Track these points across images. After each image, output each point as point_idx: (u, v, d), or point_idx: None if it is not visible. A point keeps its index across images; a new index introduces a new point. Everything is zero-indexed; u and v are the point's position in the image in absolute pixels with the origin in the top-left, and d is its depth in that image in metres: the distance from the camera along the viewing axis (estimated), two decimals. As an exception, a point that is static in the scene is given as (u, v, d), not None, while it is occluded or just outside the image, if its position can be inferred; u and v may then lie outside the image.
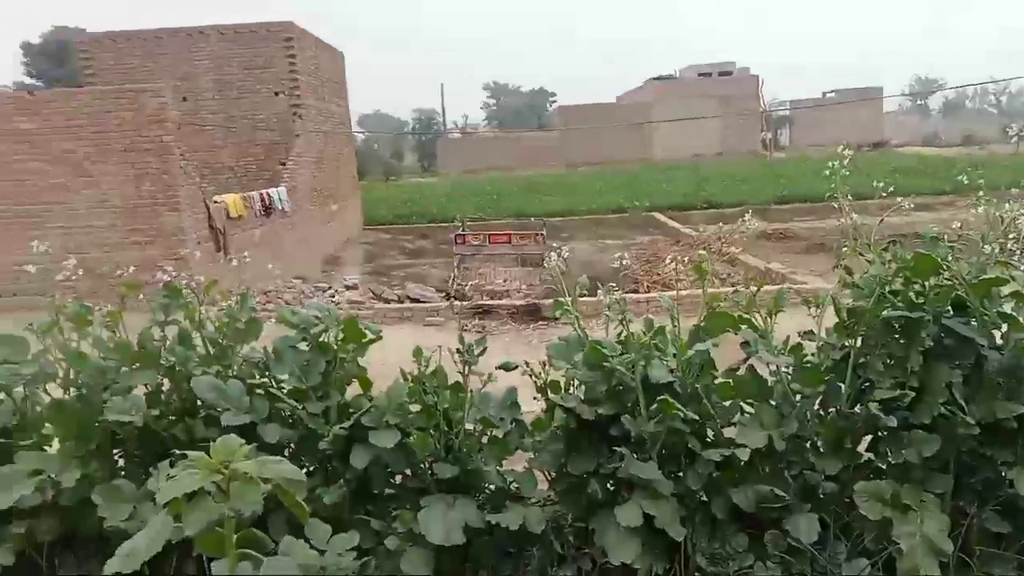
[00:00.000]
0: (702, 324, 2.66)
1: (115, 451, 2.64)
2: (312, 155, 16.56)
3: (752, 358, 2.69)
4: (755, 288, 2.62)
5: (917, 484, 2.36)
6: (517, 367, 2.77)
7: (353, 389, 2.85)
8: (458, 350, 2.69)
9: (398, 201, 25.21)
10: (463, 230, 13.77)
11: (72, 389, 2.69)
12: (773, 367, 2.63)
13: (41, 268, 2.86)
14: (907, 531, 2.21)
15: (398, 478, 2.73)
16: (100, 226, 10.70)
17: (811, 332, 2.78)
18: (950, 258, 2.53)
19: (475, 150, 47.88)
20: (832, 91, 57.01)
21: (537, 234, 13.18)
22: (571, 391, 2.76)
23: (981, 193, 2.74)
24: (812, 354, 2.69)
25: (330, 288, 12.24)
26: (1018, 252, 2.65)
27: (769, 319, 2.72)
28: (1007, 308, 2.49)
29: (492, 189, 27.32)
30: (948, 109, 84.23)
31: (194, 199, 11.02)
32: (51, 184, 10.63)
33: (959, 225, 2.75)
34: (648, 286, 11.72)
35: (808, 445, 2.58)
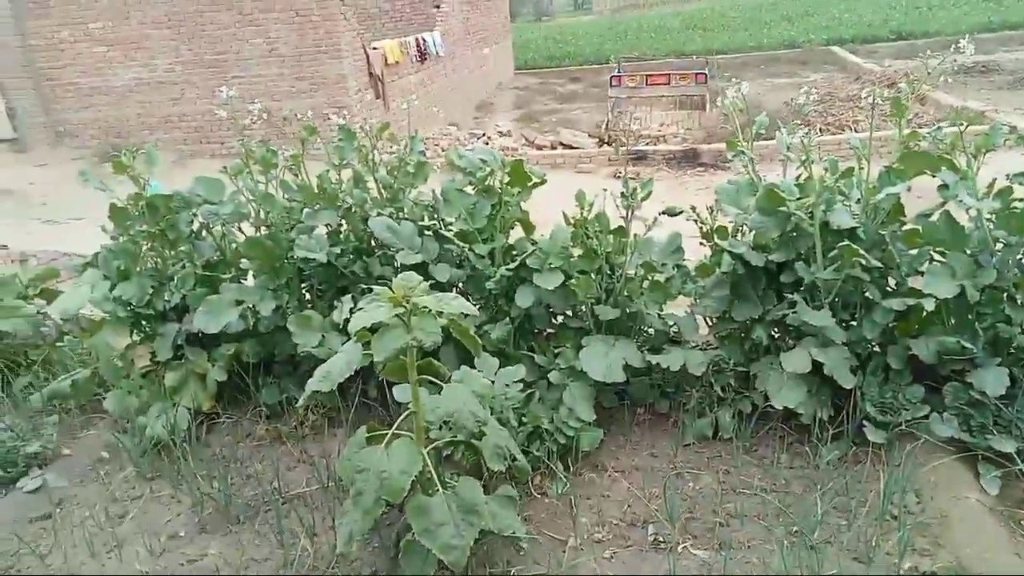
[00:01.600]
0: (894, 165, 2.42)
1: (303, 285, 2.88)
2: (464, -5, 16.17)
3: (949, 203, 2.44)
4: (963, 125, 2.32)
5: None
6: (682, 212, 2.68)
7: (517, 232, 2.91)
8: (622, 194, 2.63)
9: (550, 42, 24.31)
10: (619, 71, 13.15)
11: (263, 228, 2.93)
12: (973, 212, 2.38)
13: (230, 112, 3.04)
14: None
15: (560, 318, 2.81)
16: (269, 75, 11.19)
17: (1021, 174, 2.46)
18: None
19: (632, -16, 44.67)
20: None
21: (699, 74, 12.37)
22: (739, 237, 2.66)
23: None
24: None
25: (484, 135, 12.28)
26: None
27: (975, 160, 2.43)
28: None
29: (651, 26, 25.63)
30: None
31: (354, 46, 11.18)
32: (225, 33, 11.14)
33: None
34: (821, 128, 10.82)
35: (1005, 297, 2.36)
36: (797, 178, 2.51)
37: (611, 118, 12.27)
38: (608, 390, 2.58)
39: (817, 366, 2.27)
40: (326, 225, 2.91)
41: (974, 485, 2.03)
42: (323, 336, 2.60)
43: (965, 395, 2.22)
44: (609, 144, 11.19)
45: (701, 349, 2.68)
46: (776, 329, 2.54)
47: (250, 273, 2.91)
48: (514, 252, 2.80)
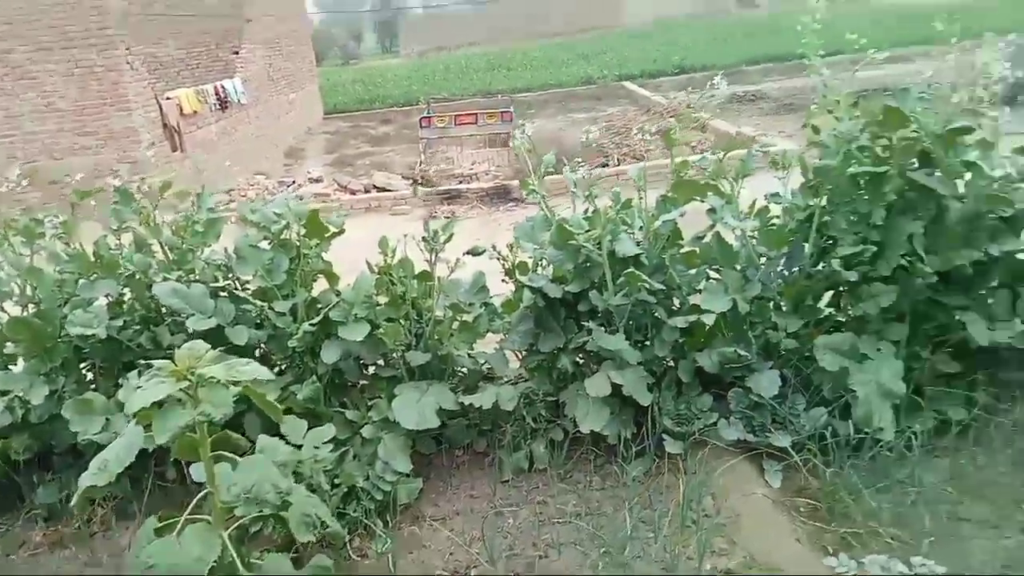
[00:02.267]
0: (668, 194, 2.63)
1: (82, 365, 2.62)
2: (266, 42, 15.76)
3: (719, 224, 2.68)
4: (721, 154, 2.57)
5: (874, 334, 2.42)
6: (485, 251, 2.75)
7: (321, 285, 2.83)
8: (424, 238, 2.65)
9: (359, 85, 24.27)
10: (428, 112, 13.36)
11: (31, 305, 2.64)
12: (739, 232, 2.63)
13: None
14: (862, 379, 2.28)
15: (371, 369, 2.76)
16: (46, 131, 10.23)
17: (778, 194, 2.76)
18: (918, 110, 2.49)
19: (439, 26, 45.77)
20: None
21: (504, 112, 12.83)
22: (539, 271, 2.75)
23: (954, 40, 2.65)
24: (779, 216, 2.69)
25: (294, 182, 11.96)
26: (987, 100, 2.59)
27: (736, 184, 2.70)
28: (972, 157, 2.47)
29: (457, 67, 26.35)
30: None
31: (144, 96, 10.51)
32: (-12, 90, 10.07)
33: (930, 74, 2.67)
34: (619, 159, 11.58)
35: (771, 305, 2.62)
36: (586, 211, 2.65)
37: (423, 159, 12.41)
38: (425, 436, 2.56)
39: (617, 388, 2.39)
40: (106, 296, 2.67)
41: (760, 481, 2.22)
42: (107, 420, 2.37)
43: (746, 399, 2.43)
44: (423, 185, 11.29)
45: (513, 383, 2.74)
46: (580, 356, 2.65)
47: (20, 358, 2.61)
48: (319, 306, 2.72)
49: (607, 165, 11.16)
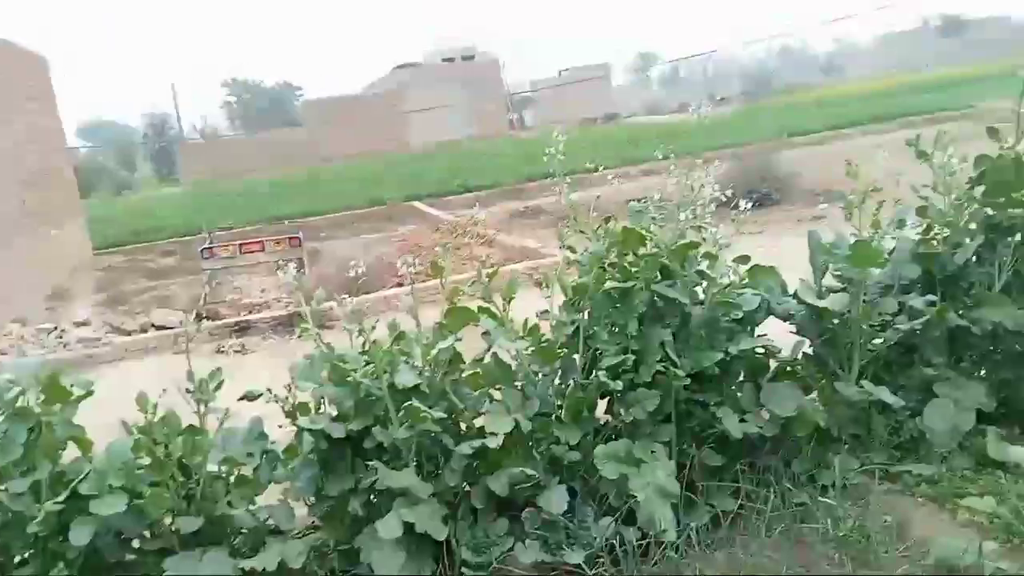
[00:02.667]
0: (443, 321, 2.68)
1: None
2: (19, 177, 14.44)
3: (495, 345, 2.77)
4: (487, 276, 2.69)
5: (646, 438, 2.58)
6: (262, 395, 2.61)
7: (74, 453, 2.52)
8: (187, 389, 2.47)
9: (135, 216, 22.83)
10: (210, 242, 12.83)
11: None
12: (513, 351, 2.73)
13: None
14: (641, 483, 2.41)
15: (136, 543, 2.46)
16: None
17: (546, 311, 2.92)
18: (652, 228, 2.78)
19: (219, 153, 44.73)
20: (567, 69, 60.83)
21: (292, 238, 12.64)
22: (322, 410, 2.66)
23: (671, 164, 3.01)
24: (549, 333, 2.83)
25: (56, 328, 10.79)
26: (708, 216, 2.95)
27: (506, 305, 2.82)
28: (704, 267, 2.79)
29: (241, 193, 25.75)
30: (666, 81, 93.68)
31: None
32: None
33: (657, 196, 2.99)
34: (412, 278, 11.74)
35: (553, 420, 2.72)
36: (363, 344, 2.63)
37: (208, 290, 11.80)
38: (203, 612, 2.29)
39: (410, 525, 2.32)
40: None
41: (558, 604, 2.22)
42: None
43: (539, 518, 2.46)
44: (209, 319, 10.67)
45: (302, 536, 2.57)
46: (372, 496, 2.55)
47: None
48: (67, 479, 2.40)
49: (401, 284, 11.31)
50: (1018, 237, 2.72)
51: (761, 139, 18.69)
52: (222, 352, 9.27)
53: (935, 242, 2.84)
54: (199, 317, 10.85)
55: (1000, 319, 2.71)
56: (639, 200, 2.93)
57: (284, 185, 26.88)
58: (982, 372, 2.95)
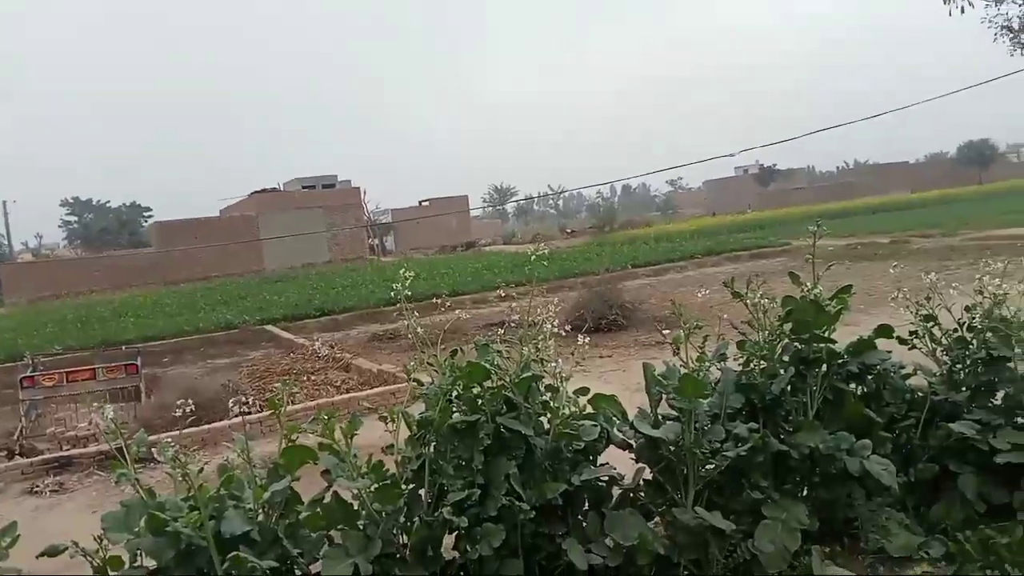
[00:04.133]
0: (279, 461, 2.56)
1: None
2: None
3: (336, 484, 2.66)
4: (327, 416, 2.61)
5: (493, 574, 2.52)
6: (67, 549, 2.34)
7: None
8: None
9: (-56, 342, 20.51)
10: (33, 369, 11.67)
11: None
12: (355, 491, 2.63)
13: None
14: (486, 627, 2.33)
15: None
16: None
17: (392, 446, 2.86)
18: (498, 361, 2.84)
19: (53, 274, 41.66)
20: (427, 200, 62.67)
21: (129, 364, 11.76)
22: (137, 563, 2.41)
23: (527, 292, 3.12)
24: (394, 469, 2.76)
25: None
26: (550, 350, 3.05)
27: (349, 441, 2.73)
28: (547, 398, 2.86)
29: (76, 316, 23.85)
30: (520, 212, 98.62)
31: None
32: None
33: (510, 323, 3.07)
34: (261, 405, 11.17)
35: (397, 559, 2.60)
36: (188, 489, 2.44)
37: (26, 424, 10.60)
38: None
39: None
40: None
41: None
42: None
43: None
44: (23, 455, 9.54)
45: None
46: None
47: None
48: None
49: (249, 412, 10.68)
50: (824, 368, 3.01)
51: (607, 268, 19.86)
52: (36, 493, 8.27)
53: (755, 373, 3.08)
54: (11, 454, 9.68)
55: (814, 443, 2.94)
56: (494, 325, 3.01)
57: (127, 307, 25.26)
58: (804, 493, 3.15)
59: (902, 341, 3.14)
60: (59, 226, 69.13)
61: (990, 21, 10.23)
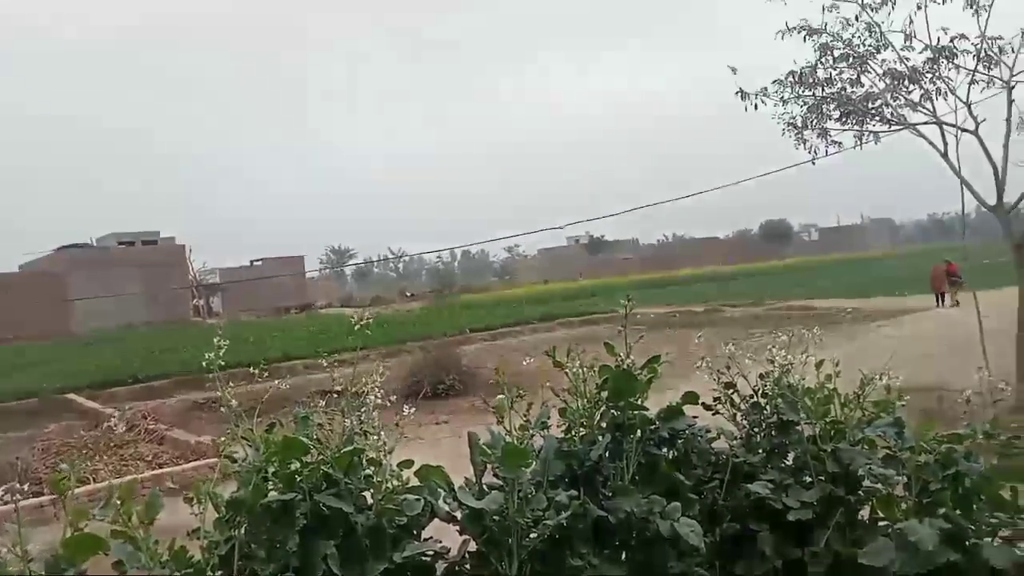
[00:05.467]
0: (60, 553, 2.28)
1: None
2: None
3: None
4: (119, 499, 2.38)
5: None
6: None
7: None
8: None
9: None
10: None
11: None
12: (152, 582, 2.39)
13: None
14: None
15: None
16: None
17: (198, 529, 2.65)
18: (317, 435, 2.74)
19: None
20: (260, 259, 60.25)
21: None
22: None
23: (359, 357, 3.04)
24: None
25: None
26: (376, 419, 2.98)
27: (146, 527, 2.50)
28: (370, 471, 2.78)
29: None
30: (359, 275, 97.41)
31: None
32: None
33: (323, 404, 2.96)
34: (51, 478, 9.99)
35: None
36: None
37: None
38: None
39: None
40: None
41: None
42: None
43: None
44: None
45: None
46: None
47: None
48: None
49: (40, 494, 9.50)
50: (638, 434, 3.17)
51: (446, 332, 19.98)
52: None
53: (575, 440, 3.18)
54: None
55: (631, 507, 3.06)
56: (326, 393, 2.90)
57: None
58: (623, 557, 3.25)
59: (707, 407, 3.37)
60: None
61: (779, 118, 11.60)
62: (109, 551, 2.37)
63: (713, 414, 3.39)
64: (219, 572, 2.52)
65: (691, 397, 3.25)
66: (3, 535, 2.26)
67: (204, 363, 2.81)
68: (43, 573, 2.22)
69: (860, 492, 2.96)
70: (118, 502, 2.35)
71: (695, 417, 3.29)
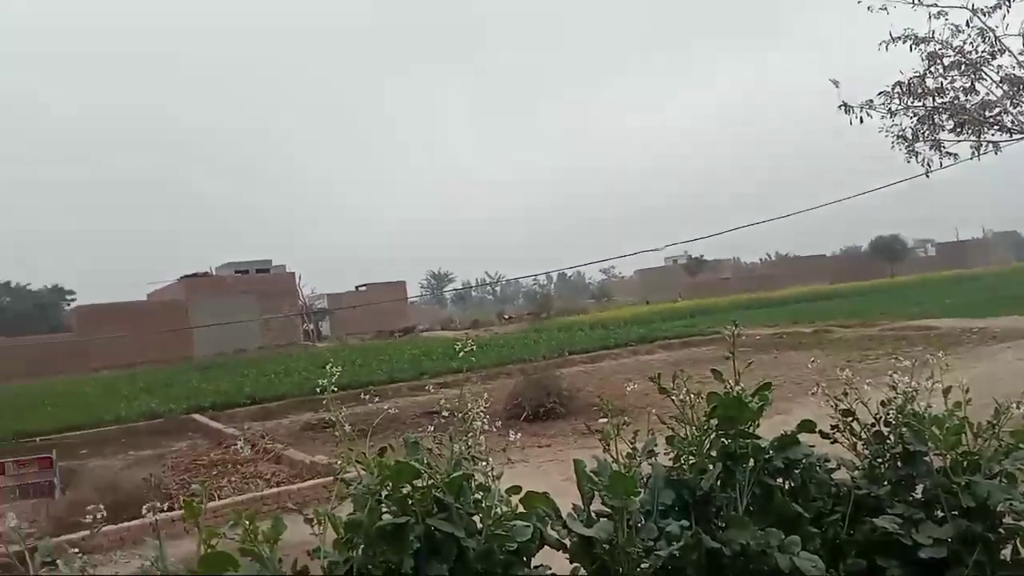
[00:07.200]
0: (196, 570, 2.43)
1: None
2: None
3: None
4: (247, 520, 2.51)
5: None
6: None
7: None
8: None
9: None
10: (-72, 466, 10.89)
11: None
12: (278, 603, 2.51)
13: None
14: None
15: None
16: None
17: (318, 549, 2.75)
18: (427, 461, 2.80)
19: (-39, 361, 39.37)
20: (364, 285, 62.41)
21: (42, 458, 11.12)
22: None
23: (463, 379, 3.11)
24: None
25: None
26: (483, 445, 3.02)
27: (272, 545, 2.62)
28: (479, 497, 2.82)
29: (-14, 406, 22.53)
30: (458, 298, 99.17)
31: None
32: None
33: (431, 428, 3.01)
34: (184, 501, 10.61)
35: None
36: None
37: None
38: None
39: None
40: None
41: None
42: None
43: None
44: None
45: None
46: None
47: None
48: None
49: (173, 508, 10.10)
50: (751, 463, 3.07)
51: (544, 355, 19.99)
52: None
53: (684, 469, 3.11)
54: None
55: (746, 540, 2.96)
56: (431, 414, 2.98)
57: (44, 396, 23.97)
58: (738, 591, 3.14)
59: (824, 435, 3.22)
60: (-31, 310, 65.94)
61: (887, 131, 11.04)
62: (239, 569, 2.50)
63: (831, 443, 3.24)
64: (338, 592, 2.61)
65: (807, 425, 3.12)
66: (143, 547, 2.42)
67: (318, 388, 2.94)
68: (180, 588, 2.36)
69: (1001, 530, 2.75)
70: (246, 522, 2.48)
71: (812, 446, 3.16)
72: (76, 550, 2.27)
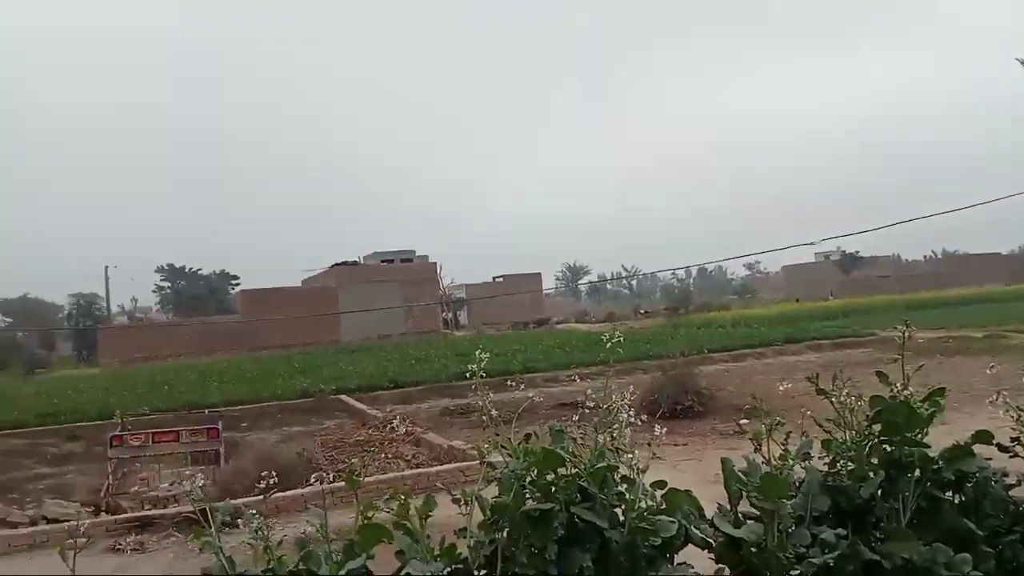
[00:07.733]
0: (355, 539, 2.58)
1: None
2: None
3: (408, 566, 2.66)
4: (402, 496, 2.64)
5: None
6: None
7: None
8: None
9: (43, 398, 21.69)
10: (122, 428, 12.20)
11: None
12: (427, 573, 2.62)
13: None
14: None
15: None
16: None
17: (465, 529, 2.85)
18: (572, 450, 2.82)
19: (145, 337, 43.84)
20: (501, 276, 63.57)
21: (211, 428, 12.17)
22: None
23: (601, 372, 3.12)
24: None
25: (-71, 519, 9.77)
26: (626, 439, 3.01)
27: (422, 522, 2.74)
28: (622, 490, 2.81)
29: (164, 379, 24.94)
30: (593, 291, 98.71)
31: None
32: None
33: (576, 418, 3.03)
34: (334, 475, 11.30)
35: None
36: (267, 562, 2.49)
37: (112, 481, 11.03)
38: None
39: None
40: None
41: None
42: None
43: None
44: (108, 512, 9.88)
45: None
46: None
47: None
48: None
49: (322, 481, 10.80)
50: (917, 473, 2.87)
51: (683, 351, 19.51)
52: (118, 550, 8.52)
53: (842, 475, 2.96)
54: (98, 510, 10.04)
55: (909, 554, 2.77)
56: (566, 406, 3.00)
57: (211, 372, 26.26)
58: (897, 608, 2.95)
59: (1002, 448, 2.95)
60: (153, 291, 73.13)
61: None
62: (392, 541, 2.64)
63: (1011, 457, 2.97)
64: (483, 571, 2.69)
65: (983, 436, 2.87)
66: (296, 516, 2.61)
67: (468, 375, 3.02)
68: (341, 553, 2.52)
69: None
70: (402, 497, 2.62)
71: (989, 459, 2.90)
72: (254, 511, 2.48)
